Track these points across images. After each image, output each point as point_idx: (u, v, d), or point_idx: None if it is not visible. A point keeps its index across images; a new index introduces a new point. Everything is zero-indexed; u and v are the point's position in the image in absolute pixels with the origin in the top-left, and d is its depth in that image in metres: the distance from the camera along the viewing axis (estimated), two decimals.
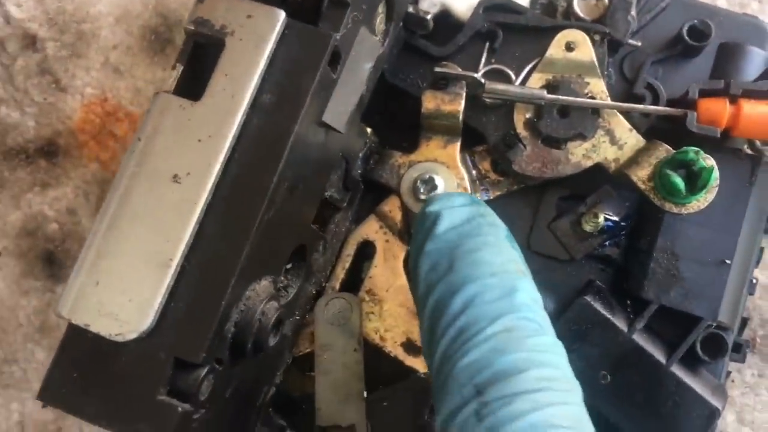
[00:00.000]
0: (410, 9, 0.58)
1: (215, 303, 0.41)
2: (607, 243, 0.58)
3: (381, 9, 0.52)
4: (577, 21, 0.60)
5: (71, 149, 0.73)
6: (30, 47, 0.73)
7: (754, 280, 0.60)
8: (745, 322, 0.61)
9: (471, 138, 0.60)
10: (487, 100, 0.58)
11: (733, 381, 0.65)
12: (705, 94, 0.55)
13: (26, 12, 0.74)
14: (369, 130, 0.60)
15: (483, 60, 0.60)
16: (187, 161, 0.42)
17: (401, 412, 0.56)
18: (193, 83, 0.45)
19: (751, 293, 0.61)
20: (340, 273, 0.60)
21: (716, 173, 0.52)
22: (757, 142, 0.59)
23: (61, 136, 0.72)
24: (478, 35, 0.60)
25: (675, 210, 0.53)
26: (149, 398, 0.41)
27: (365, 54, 0.49)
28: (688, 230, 0.56)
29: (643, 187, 0.54)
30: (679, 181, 0.51)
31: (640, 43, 0.60)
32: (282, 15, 0.43)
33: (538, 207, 0.60)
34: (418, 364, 0.58)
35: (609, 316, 0.56)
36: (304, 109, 0.43)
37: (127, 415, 0.41)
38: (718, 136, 0.54)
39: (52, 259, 0.72)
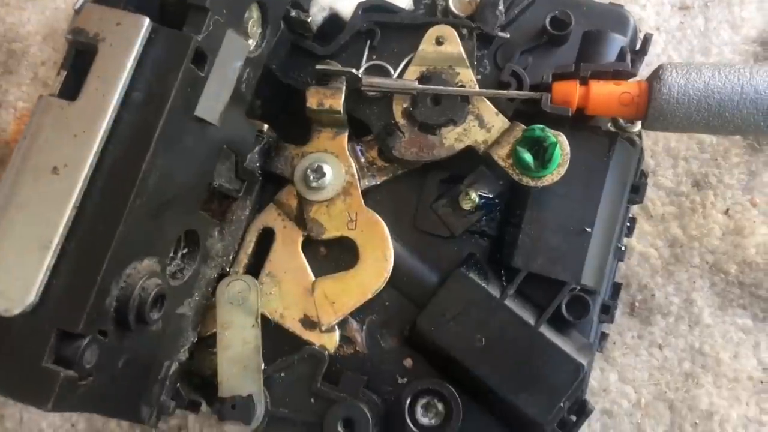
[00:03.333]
0: (292, 13, 0.63)
1: (92, 278, 0.47)
2: (484, 219, 0.64)
3: (255, 15, 0.58)
4: (453, 17, 0.66)
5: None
6: None
7: (623, 248, 0.65)
8: (618, 286, 0.66)
9: (360, 128, 0.65)
10: (369, 93, 0.64)
11: (614, 343, 0.69)
12: (560, 77, 0.60)
13: None
14: (266, 126, 0.65)
15: (365, 57, 0.65)
16: (65, 155, 0.48)
17: (296, 380, 0.61)
18: (76, 87, 0.50)
19: (621, 260, 0.66)
20: (243, 258, 0.65)
21: (563, 148, 0.57)
22: (621, 120, 0.65)
23: None
24: (359, 34, 0.65)
25: (532, 183, 0.58)
26: (36, 366, 0.46)
27: (234, 54, 0.54)
28: (552, 202, 0.61)
29: (503, 164, 0.59)
30: (527, 157, 0.57)
31: (508, 35, 0.65)
32: (146, 21, 0.49)
33: (422, 189, 0.65)
34: (314, 337, 0.63)
35: (483, 284, 0.61)
36: (169, 104, 0.48)
37: (16, 381, 0.46)
38: (569, 114, 0.59)
39: None
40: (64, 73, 0.51)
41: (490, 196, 0.63)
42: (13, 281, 0.46)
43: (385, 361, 0.63)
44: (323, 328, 0.62)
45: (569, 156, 0.58)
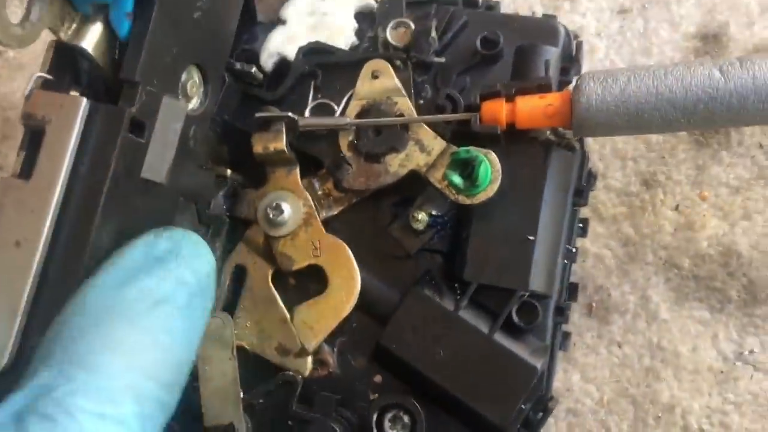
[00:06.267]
0: (237, 66, 0.68)
1: None
2: (436, 236, 0.67)
3: (196, 76, 0.63)
4: (393, 49, 0.69)
5: None
6: None
7: (574, 249, 0.67)
8: (575, 287, 0.68)
9: (315, 163, 0.70)
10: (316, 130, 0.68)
11: (575, 344, 0.72)
12: (488, 97, 0.63)
13: None
14: (229, 171, 0.70)
15: (310, 97, 0.70)
16: (24, 230, 0.53)
17: (274, 405, 0.66)
18: (31, 166, 0.55)
19: (573, 261, 0.68)
20: (220, 295, 0.70)
21: (493, 165, 0.60)
22: (560, 129, 0.67)
23: None
24: (303, 77, 0.70)
25: (467, 202, 0.62)
26: None
27: (173, 116, 0.59)
28: (495, 215, 0.64)
29: (440, 186, 0.63)
30: (455, 179, 0.60)
31: (444, 59, 0.69)
32: (83, 101, 0.54)
33: (376, 214, 0.69)
34: (289, 363, 0.67)
35: (437, 299, 0.64)
36: (111, 172, 0.54)
37: None
38: (497, 132, 0.62)
39: None
40: (22, 154, 0.56)
41: (439, 214, 0.67)
42: None
43: (356, 379, 0.67)
44: (309, 352, 0.66)
45: (500, 172, 0.61)
